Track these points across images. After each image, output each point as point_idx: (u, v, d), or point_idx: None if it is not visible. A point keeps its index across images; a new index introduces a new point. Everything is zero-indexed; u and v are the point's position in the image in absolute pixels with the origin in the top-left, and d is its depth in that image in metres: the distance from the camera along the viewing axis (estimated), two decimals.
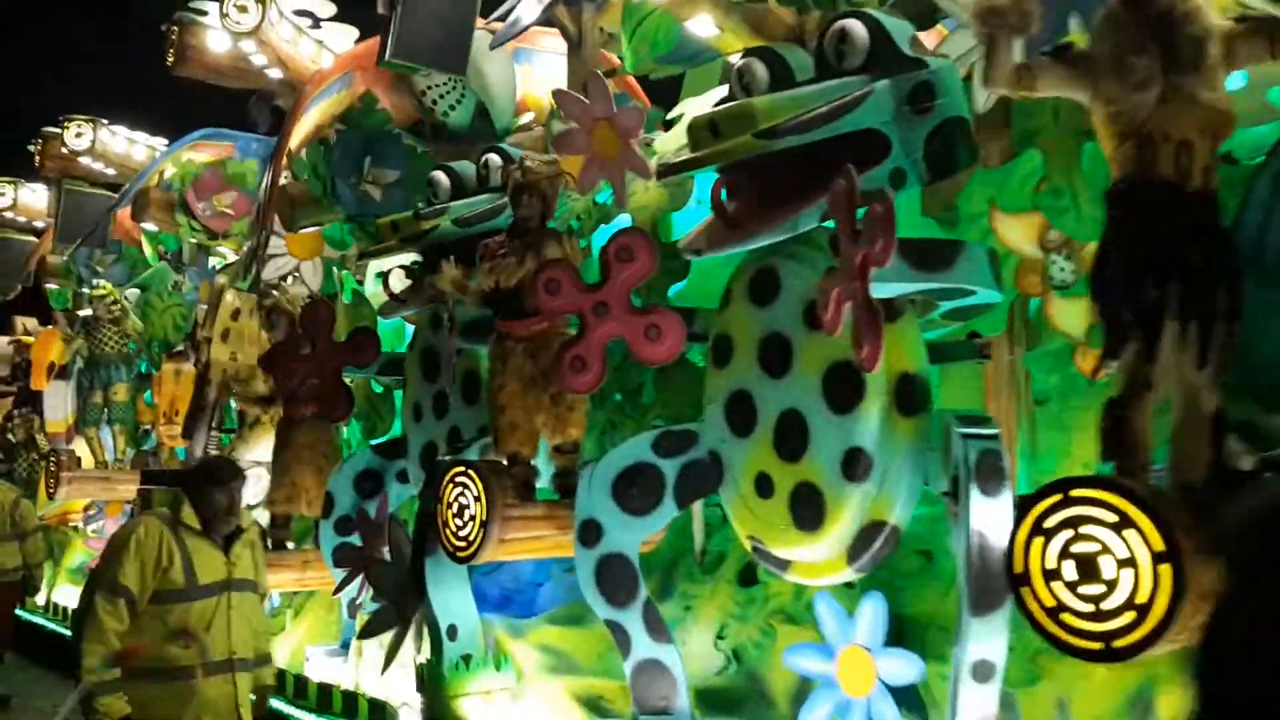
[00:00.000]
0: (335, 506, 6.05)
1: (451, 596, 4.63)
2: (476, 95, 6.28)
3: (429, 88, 6.83)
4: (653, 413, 4.64)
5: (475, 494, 4.25)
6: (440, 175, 5.61)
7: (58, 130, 11.16)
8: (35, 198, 14.35)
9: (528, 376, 4.39)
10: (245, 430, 7.22)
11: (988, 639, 2.84)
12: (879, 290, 2.91)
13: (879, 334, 2.81)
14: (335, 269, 7.56)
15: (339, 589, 5.69)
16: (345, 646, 6.06)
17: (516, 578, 5.78)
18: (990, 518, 2.85)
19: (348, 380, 6.01)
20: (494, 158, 5.42)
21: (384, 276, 5.69)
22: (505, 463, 4.46)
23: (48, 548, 9.71)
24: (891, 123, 3.39)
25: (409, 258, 5.94)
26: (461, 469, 4.34)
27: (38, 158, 11.54)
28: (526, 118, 7.07)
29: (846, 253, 2.95)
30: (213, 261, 9.24)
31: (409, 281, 5.76)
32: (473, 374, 5.30)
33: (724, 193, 3.61)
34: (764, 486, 3.61)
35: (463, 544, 4.29)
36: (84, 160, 11.04)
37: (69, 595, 10.29)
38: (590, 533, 4.07)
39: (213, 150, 9.61)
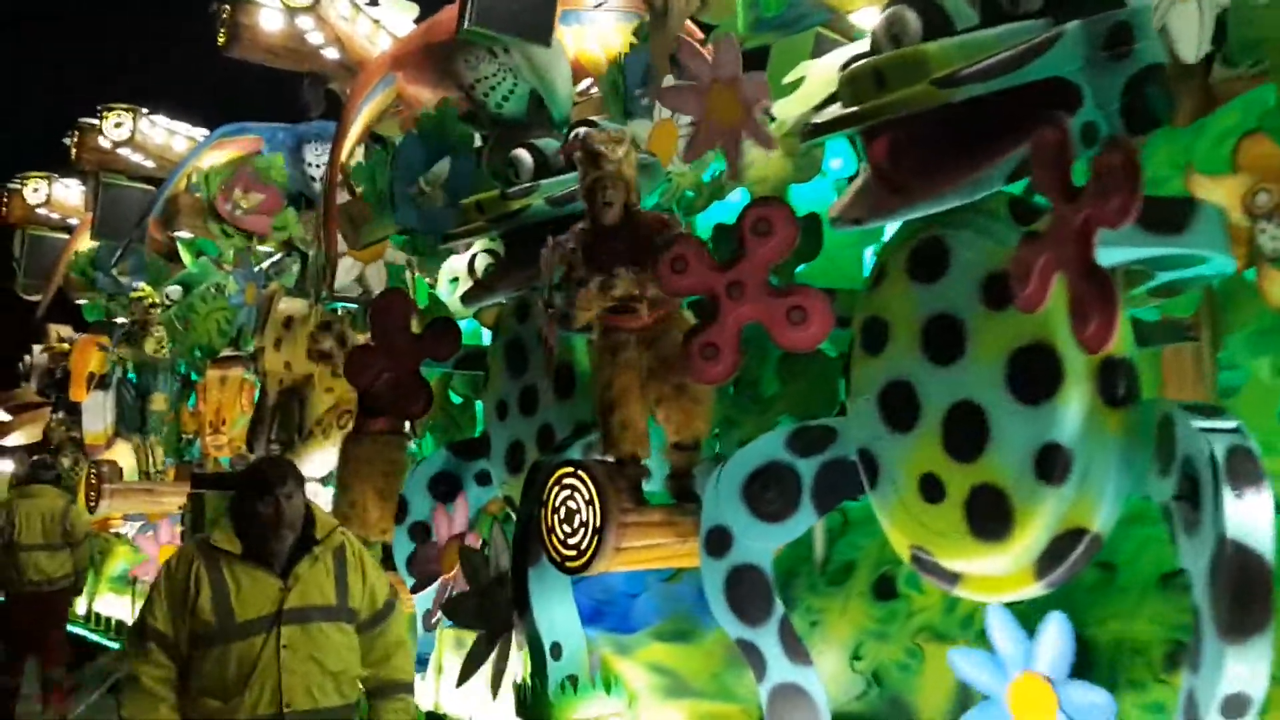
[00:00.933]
0: (409, 511, 5.73)
1: (556, 611, 4.27)
2: (530, 84, 5.91)
3: (477, 81, 6.46)
4: (776, 407, 4.25)
5: (587, 497, 3.89)
6: (523, 153, 5.27)
7: (95, 121, 10.90)
8: (69, 194, 14.13)
9: (644, 368, 4.02)
10: (298, 442, 6.92)
11: (1246, 668, 2.44)
12: (1102, 257, 2.52)
13: (1113, 307, 2.42)
14: (403, 272, 7.24)
15: (414, 589, 5.36)
16: (422, 663, 5.72)
17: (607, 588, 5.40)
18: (1248, 524, 2.45)
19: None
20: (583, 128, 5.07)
21: (470, 262, 5.34)
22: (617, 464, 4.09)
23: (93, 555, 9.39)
24: (1083, 69, 2.99)
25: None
26: (570, 470, 3.98)
27: (73, 150, 11.29)
28: (584, 83, 6.70)
29: (1062, 213, 2.56)
30: (258, 265, 8.94)
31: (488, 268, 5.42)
32: (567, 366, 4.93)
33: (868, 154, 3.24)
34: (931, 489, 3.22)
35: (573, 553, 3.93)
36: (123, 152, 10.77)
37: (111, 605, 10.02)
38: (719, 541, 3.71)
39: (237, 146, 9.34)
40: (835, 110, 3.28)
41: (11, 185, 14.13)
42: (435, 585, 5.34)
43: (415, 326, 5.55)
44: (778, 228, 3.50)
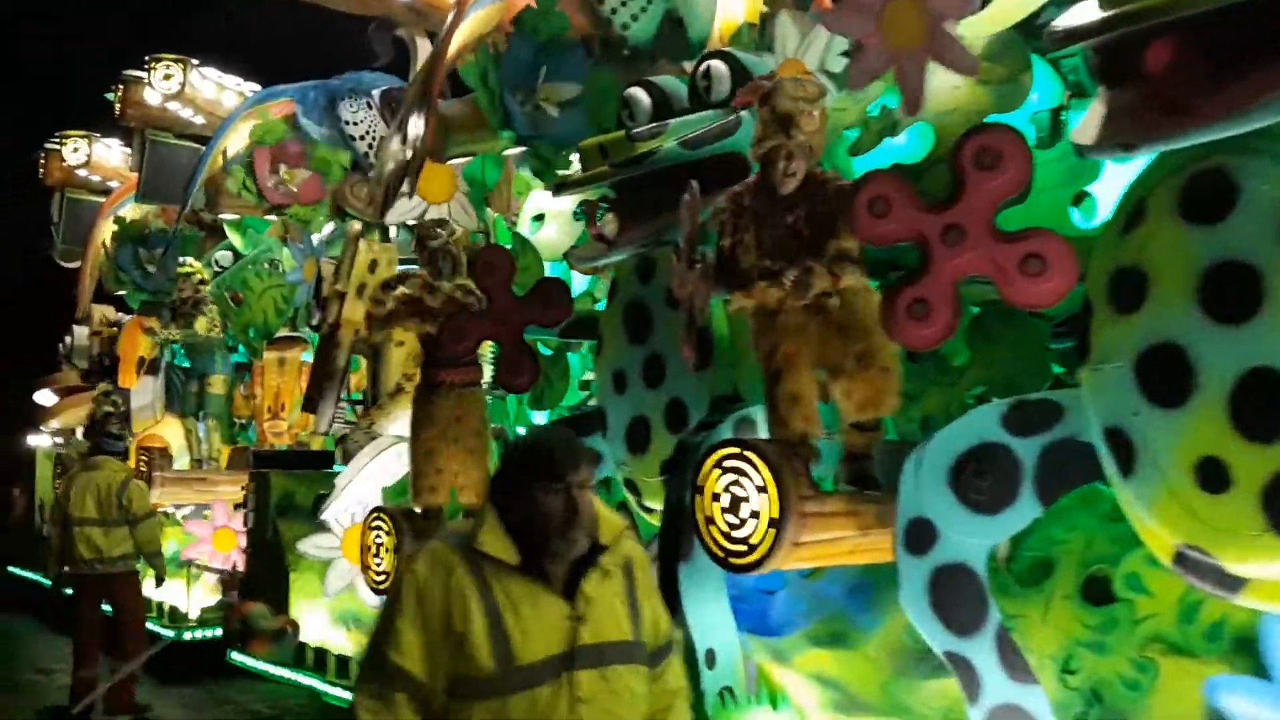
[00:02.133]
0: None
1: (710, 614, 3.79)
2: (666, 2, 5.35)
3: None
4: (966, 378, 3.72)
5: (758, 484, 3.37)
6: (638, 92, 4.76)
7: (141, 74, 10.45)
8: (110, 154, 13.75)
9: (816, 333, 3.50)
10: (385, 398, 6.43)
11: None
12: None
13: None
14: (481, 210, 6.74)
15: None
16: None
17: (737, 583, 4.91)
18: None
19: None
20: (718, 65, 4.53)
21: (585, 213, 4.80)
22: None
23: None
24: None
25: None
26: (736, 451, 3.46)
27: (118, 105, 10.83)
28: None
29: None
30: (316, 237, 8.49)
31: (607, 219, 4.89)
32: (701, 332, 4.41)
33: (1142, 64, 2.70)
34: (1213, 476, 2.69)
35: (741, 548, 3.42)
36: (172, 106, 10.32)
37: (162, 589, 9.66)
38: (921, 536, 3.21)
39: (274, 110, 8.89)
40: (1092, 12, 2.74)
41: (50, 145, 13.77)
42: None
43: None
44: (1008, 159, 2.97)
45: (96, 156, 13.42)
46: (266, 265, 9.43)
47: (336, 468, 7.21)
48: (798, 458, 3.47)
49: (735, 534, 3.44)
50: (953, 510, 3.17)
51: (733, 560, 3.46)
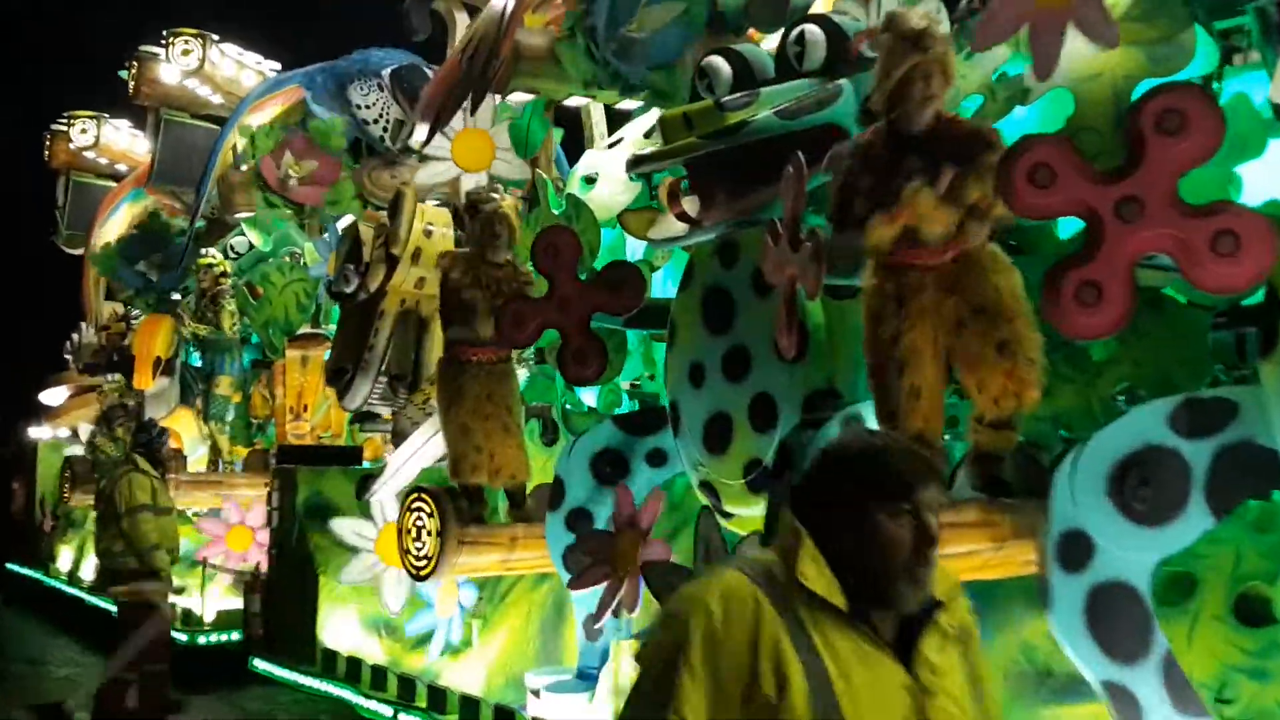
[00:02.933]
0: (566, 495, 4.96)
1: None
2: None
3: None
4: (1110, 374, 3.39)
5: None
6: (717, 61, 4.44)
7: (159, 49, 10.15)
8: (119, 136, 13.46)
9: (949, 319, 3.17)
10: (421, 380, 6.12)
11: None
12: None
13: None
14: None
15: (574, 584, 4.63)
16: (583, 677, 4.95)
17: None
18: None
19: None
20: (813, 29, 4.22)
21: (668, 188, 4.47)
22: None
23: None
24: None
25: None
26: None
27: (132, 83, 10.53)
28: None
29: None
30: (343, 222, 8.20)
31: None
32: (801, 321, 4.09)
33: None
34: None
35: None
36: (190, 84, 10.01)
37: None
38: (1076, 551, 2.90)
39: (278, 101, 8.61)
40: None
41: (56, 126, 13.48)
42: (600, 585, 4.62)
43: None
44: (1195, 123, 2.64)
45: (105, 139, 13.14)
46: (288, 259, 9.14)
47: (377, 461, 6.91)
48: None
49: None
50: (1113, 522, 2.87)
51: None
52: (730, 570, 1.88)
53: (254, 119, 8.19)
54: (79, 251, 14.40)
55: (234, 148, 8.69)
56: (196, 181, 10.37)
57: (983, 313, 3.13)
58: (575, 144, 7.11)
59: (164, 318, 10.53)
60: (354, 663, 6.32)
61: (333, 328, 8.90)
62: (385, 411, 6.51)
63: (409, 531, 5.12)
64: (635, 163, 4.46)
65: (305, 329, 8.95)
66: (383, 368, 6.16)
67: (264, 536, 8.68)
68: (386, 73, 7.31)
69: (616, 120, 6.88)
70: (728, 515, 4.43)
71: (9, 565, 14.53)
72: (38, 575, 13.28)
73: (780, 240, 3.66)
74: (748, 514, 4.33)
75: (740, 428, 4.28)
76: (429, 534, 5.02)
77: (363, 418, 7.67)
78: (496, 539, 5.17)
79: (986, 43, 3.49)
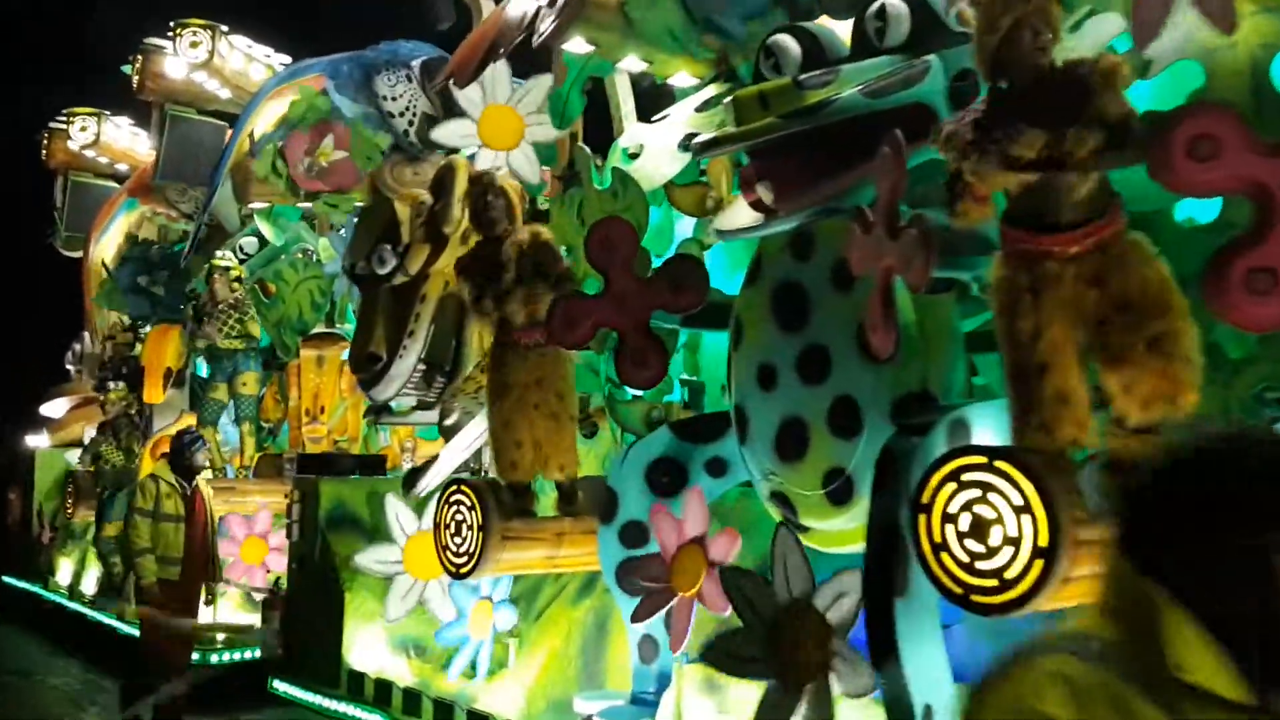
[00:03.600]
0: (620, 507, 4.69)
1: (929, 662, 3.18)
2: None
3: None
4: (1250, 374, 3.11)
5: (1018, 503, 2.77)
6: (785, 39, 4.19)
7: (164, 43, 9.87)
8: (120, 134, 13.18)
9: (1089, 314, 2.90)
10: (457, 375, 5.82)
11: None
12: None
13: None
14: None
15: (639, 615, 4.34)
16: (638, 702, 4.67)
17: None
18: None
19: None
20: (895, 3, 3.95)
21: (723, 169, 4.18)
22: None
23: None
24: None
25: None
26: (983, 462, 2.86)
27: (136, 78, 10.25)
28: None
29: None
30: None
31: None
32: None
33: None
34: None
35: (992, 583, 2.81)
36: (198, 78, 9.73)
37: None
38: None
39: (299, 89, 8.31)
40: None
41: (55, 124, 13.18)
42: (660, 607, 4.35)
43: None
44: None
45: (106, 137, 12.86)
46: (301, 255, 8.88)
47: (395, 470, 6.61)
48: (1064, 472, 2.86)
49: (983, 565, 2.84)
50: None
51: (978, 598, 2.86)
52: (1063, 656, 1.37)
53: (273, 106, 7.94)
54: (77, 254, 14.12)
55: (251, 135, 8.40)
56: (203, 179, 10.11)
57: (1130, 307, 2.85)
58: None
59: (172, 328, 10.26)
60: (383, 685, 6.03)
61: (348, 327, 8.65)
62: (410, 402, 6.13)
63: (447, 526, 4.83)
64: (706, 146, 4.17)
65: (319, 328, 8.71)
66: (422, 354, 5.76)
67: (276, 541, 8.40)
68: (416, 64, 7.00)
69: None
70: (803, 529, 4.15)
71: (5, 578, 14.21)
72: (35, 589, 12.96)
73: (873, 228, 3.39)
74: (826, 527, 4.06)
75: (818, 434, 4.00)
76: (470, 528, 4.74)
77: (378, 411, 7.43)
78: (541, 534, 4.88)
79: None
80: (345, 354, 8.47)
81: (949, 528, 2.92)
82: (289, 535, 6.92)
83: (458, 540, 4.78)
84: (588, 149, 5.98)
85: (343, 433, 8.42)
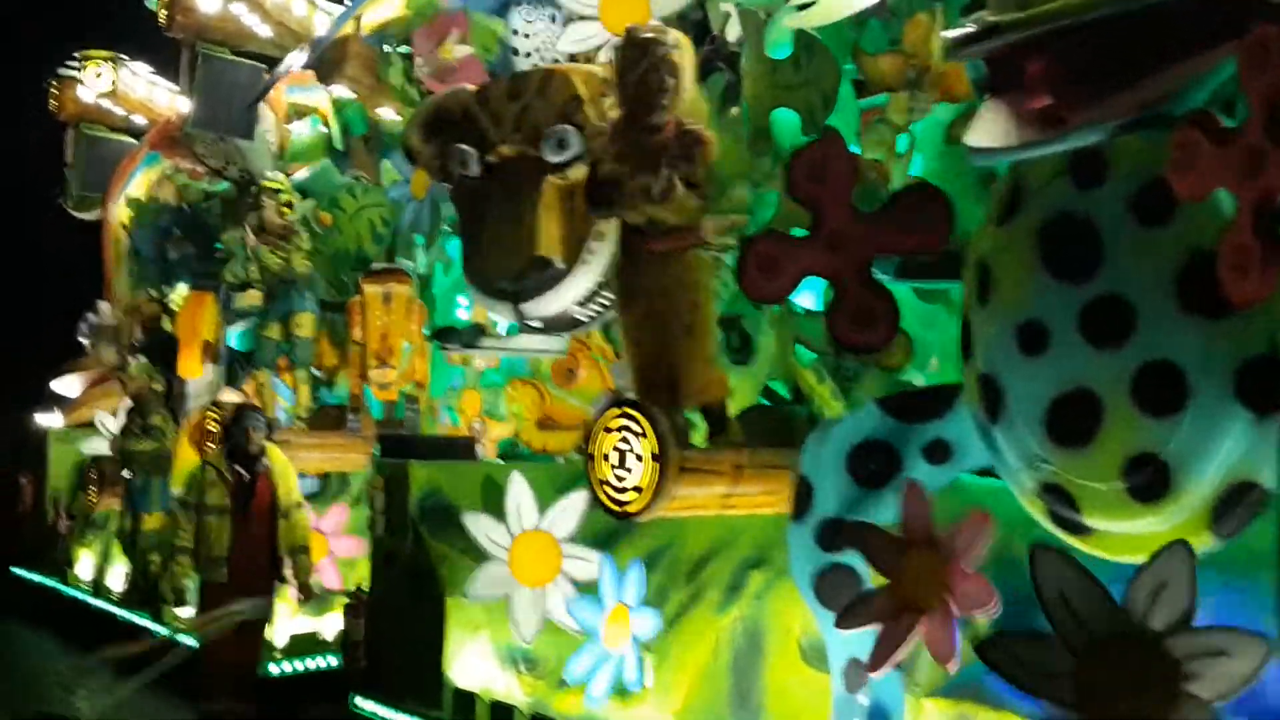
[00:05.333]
0: (815, 502, 3.98)
1: None
2: None
3: None
4: None
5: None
6: None
7: None
8: (137, 82, 12.42)
9: None
10: None
11: None
12: None
13: None
14: None
15: (845, 621, 3.68)
16: None
17: None
18: None
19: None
20: None
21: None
22: None
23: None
24: None
25: None
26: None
27: (163, 12, 9.45)
28: None
29: None
30: None
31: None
32: (1199, 257, 3.08)
33: None
34: None
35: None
36: (236, 10, 8.97)
37: None
38: None
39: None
40: None
41: (66, 70, 12.41)
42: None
43: None
44: None
45: (124, 84, 12.10)
46: (359, 179, 8.17)
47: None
48: None
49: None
50: None
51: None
52: None
53: (377, 11, 7.25)
54: (90, 216, 13.41)
55: (358, 20, 7.66)
56: (238, 128, 9.40)
57: None
58: None
59: (206, 296, 9.54)
60: (503, 709, 5.32)
61: (410, 264, 7.98)
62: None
63: (606, 458, 4.29)
64: (967, 40, 3.40)
65: (379, 264, 8.06)
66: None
67: (332, 525, 7.73)
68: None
69: None
70: (1084, 530, 3.42)
71: (15, 571, 13.55)
72: (53, 583, 12.28)
73: (1232, 139, 2.66)
74: (1120, 529, 3.34)
75: (1116, 410, 3.25)
76: (638, 458, 4.11)
77: (444, 334, 6.76)
78: (719, 465, 4.29)
79: None
80: (412, 290, 7.84)
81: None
82: (372, 528, 6.18)
83: (621, 474, 4.19)
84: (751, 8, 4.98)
85: (409, 379, 7.75)
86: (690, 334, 4.33)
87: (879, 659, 3.60)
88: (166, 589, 8.00)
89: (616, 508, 4.26)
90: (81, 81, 12.22)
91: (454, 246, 7.85)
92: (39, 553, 13.06)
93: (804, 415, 4.66)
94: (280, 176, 8.54)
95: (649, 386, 4.39)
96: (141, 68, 12.36)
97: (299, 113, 9.52)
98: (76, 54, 12.19)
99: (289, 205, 8.20)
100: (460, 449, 6.51)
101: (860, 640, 3.83)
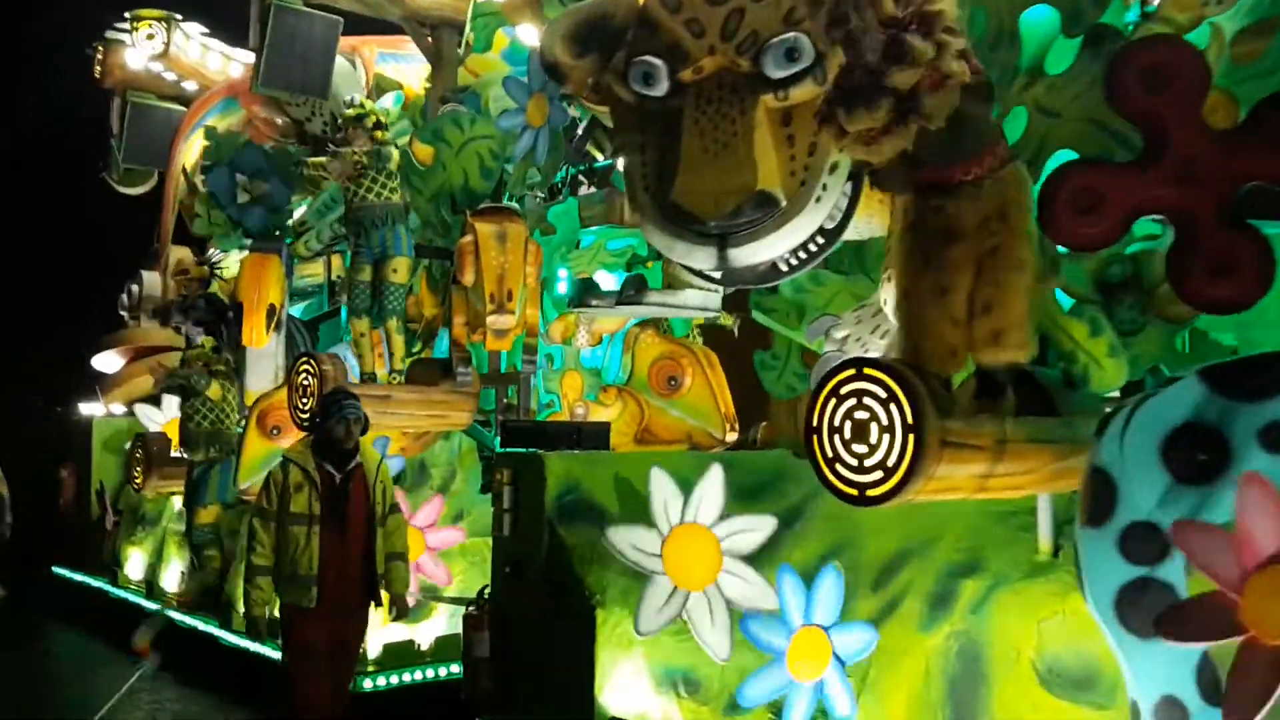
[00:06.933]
0: (1120, 500, 3.26)
1: None
2: None
3: None
4: None
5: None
6: None
7: None
8: (190, 45, 11.80)
9: None
10: None
11: None
12: None
13: None
14: None
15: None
16: None
17: None
18: None
19: None
20: None
21: None
22: None
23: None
24: None
25: None
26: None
27: None
28: None
29: None
30: None
31: None
32: None
33: None
34: None
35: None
36: None
37: None
38: None
39: None
40: None
41: (114, 33, 11.78)
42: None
43: None
44: None
45: (175, 48, 11.46)
46: (468, 111, 7.47)
47: None
48: None
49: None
50: None
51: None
52: None
53: None
54: (136, 191, 12.80)
55: None
56: (311, 86, 8.75)
57: None
58: None
59: (270, 257, 8.77)
60: None
61: (515, 205, 7.33)
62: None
63: (838, 429, 3.48)
64: None
65: (486, 204, 7.47)
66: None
67: (427, 516, 7.05)
68: None
69: None
70: None
71: (57, 570, 12.93)
72: (101, 584, 11.63)
73: None
74: None
75: None
76: (886, 431, 3.30)
77: (587, 288, 6.00)
78: (982, 440, 3.46)
79: None
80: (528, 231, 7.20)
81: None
82: (497, 528, 5.42)
83: (862, 449, 3.36)
84: None
85: (521, 329, 7.10)
86: (1022, 269, 3.49)
87: (1240, 706, 2.85)
88: (243, 615, 7.19)
89: (854, 490, 3.45)
90: (129, 45, 11.58)
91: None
92: (82, 551, 12.43)
93: (1056, 378, 3.87)
94: (363, 100, 7.70)
95: (933, 355, 3.55)
96: (194, 28, 11.73)
97: (384, 88, 8.87)
98: (126, 13, 11.57)
99: (379, 127, 7.40)
100: (589, 437, 5.70)
101: (1179, 674, 3.12)
